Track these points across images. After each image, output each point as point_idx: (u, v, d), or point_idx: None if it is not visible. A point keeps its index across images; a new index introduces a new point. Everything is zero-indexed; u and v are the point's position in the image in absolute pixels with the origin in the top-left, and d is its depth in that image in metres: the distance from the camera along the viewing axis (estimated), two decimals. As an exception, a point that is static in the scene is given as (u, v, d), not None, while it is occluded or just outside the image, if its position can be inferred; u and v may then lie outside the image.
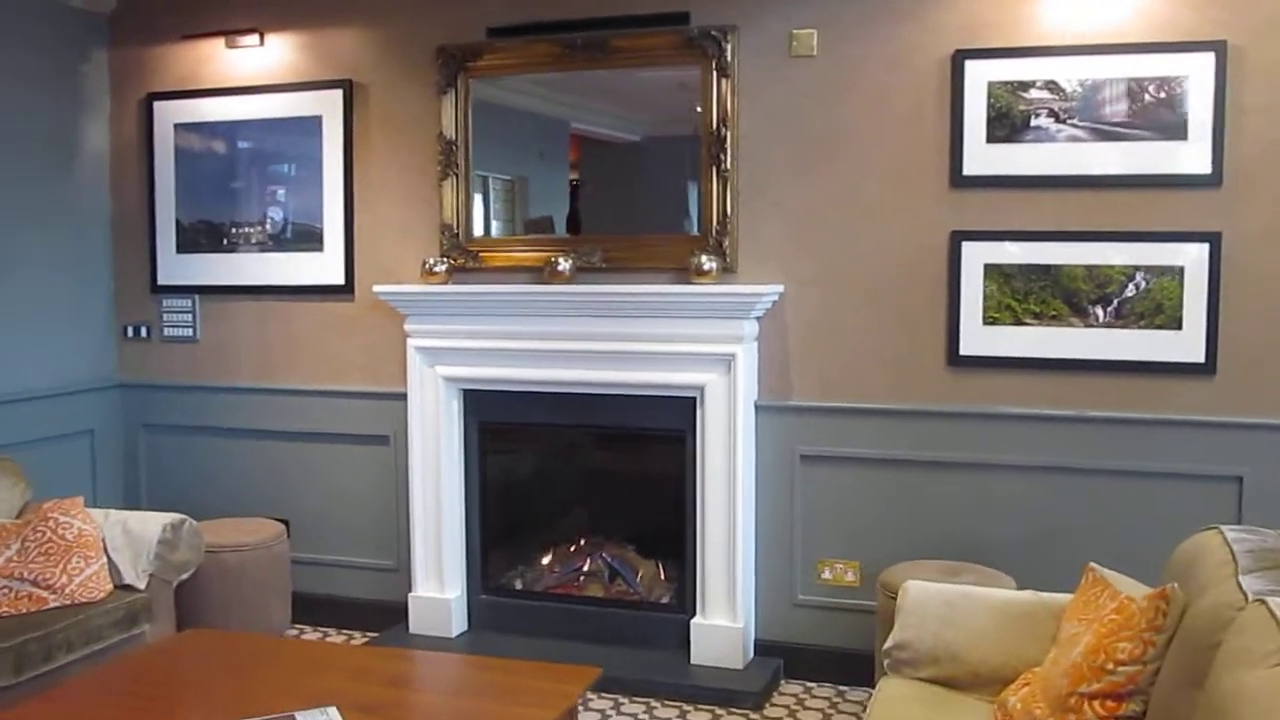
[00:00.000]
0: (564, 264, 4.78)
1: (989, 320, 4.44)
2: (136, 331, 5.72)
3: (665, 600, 4.99)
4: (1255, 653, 2.09)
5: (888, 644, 3.41)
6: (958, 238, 4.44)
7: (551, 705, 3.06)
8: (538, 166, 5.30)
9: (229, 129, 5.50)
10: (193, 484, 5.62)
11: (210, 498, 5.55)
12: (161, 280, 5.64)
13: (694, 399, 4.69)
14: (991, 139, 4.40)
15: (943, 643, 3.32)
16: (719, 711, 4.44)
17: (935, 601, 3.40)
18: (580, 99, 5.08)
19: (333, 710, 3.03)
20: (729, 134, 4.63)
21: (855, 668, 4.63)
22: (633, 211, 4.98)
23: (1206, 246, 4.20)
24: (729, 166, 4.64)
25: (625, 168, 5.11)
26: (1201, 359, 4.23)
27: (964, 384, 4.48)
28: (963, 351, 4.48)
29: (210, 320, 5.58)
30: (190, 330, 5.62)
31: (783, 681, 4.73)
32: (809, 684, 4.72)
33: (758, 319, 4.64)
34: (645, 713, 4.44)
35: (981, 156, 4.42)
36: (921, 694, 3.25)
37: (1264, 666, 2.04)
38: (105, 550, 4.32)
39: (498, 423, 5.09)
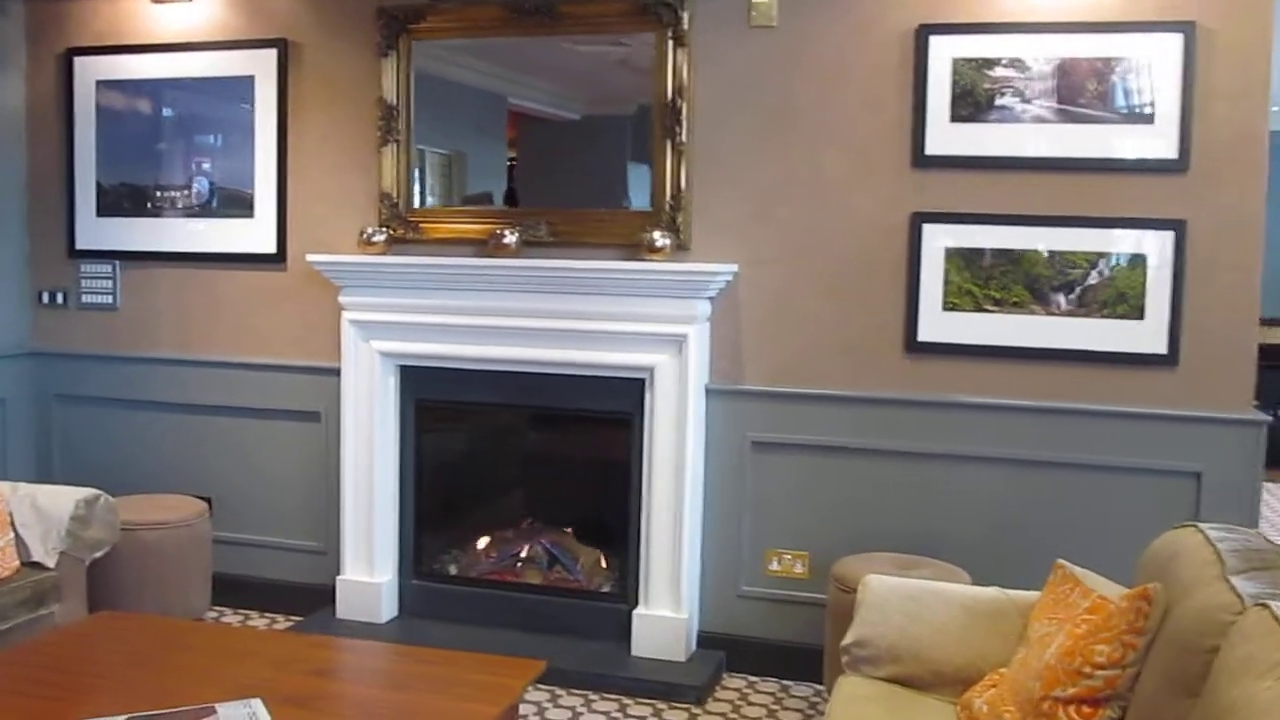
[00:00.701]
0: (509, 237, 4.57)
1: (949, 306, 4.31)
2: (52, 298, 5.42)
3: (606, 589, 4.80)
4: (1262, 662, 1.95)
5: (846, 640, 3.25)
6: (919, 219, 4.30)
7: (493, 700, 2.87)
8: (475, 142, 5.07)
9: (155, 88, 5.22)
10: (110, 459, 5.34)
11: (128, 473, 5.27)
12: (80, 245, 5.35)
13: (643, 381, 4.50)
14: (955, 118, 4.26)
15: (905, 640, 3.17)
16: (660, 705, 4.27)
17: (897, 596, 3.25)
18: (519, 74, 4.87)
19: (257, 703, 2.81)
20: (684, 105, 4.44)
21: (801, 662, 4.48)
22: (571, 191, 4.75)
23: (1171, 234, 4.09)
24: (684, 139, 4.45)
25: (564, 146, 4.90)
26: (1164, 350, 4.12)
27: (922, 371, 4.34)
28: (921, 338, 4.34)
29: (131, 288, 5.30)
30: (110, 298, 5.33)
31: (725, 675, 4.57)
32: (752, 678, 4.56)
33: (711, 299, 4.47)
34: (583, 705, 4.26)
35: (945, 135, 4.27)
36: (881, 694, 3.09)
37: (1273, 677, 1.90)
38: (12, 526, 4.05)
39: (436, 401, 4.87)
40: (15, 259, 5.37)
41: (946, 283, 4.30)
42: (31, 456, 5.44)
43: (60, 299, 5.40)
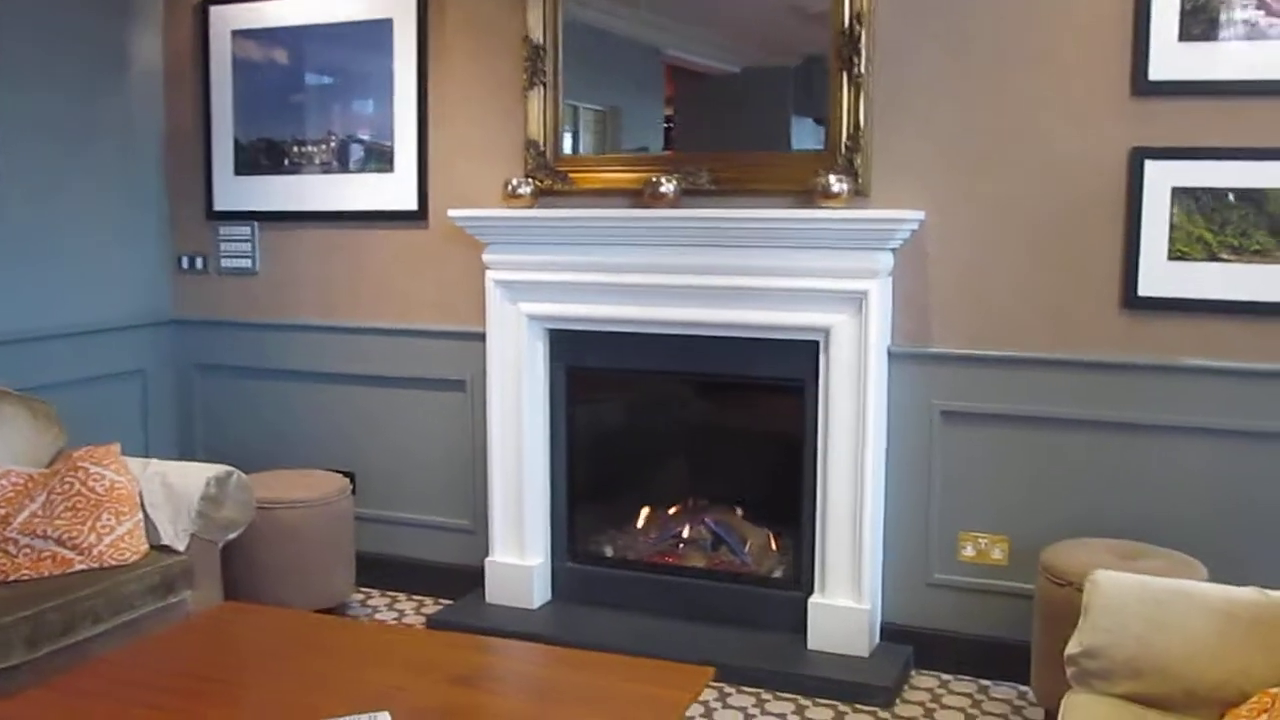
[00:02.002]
0: (666, 185, 4.12)
1: (1175, 255, 3.71)
2: (191, 263, 5.18)
3: (778, 575, 4.35)
4: None
5: (1073, 649, 2.74)
6: (1140, 155, 3.70)
7: (657, 716, 2.45)
8: (631, 97, 4.62)
9: (291, 36, 4.90)
10: (249, 431, 5.10)
11: (268, 446, 5.02)
12: (218, 205, 5.09)
13: (817, 343, 4.02)
14: (1185, 36, 3.64)
15: (1148, 652, 2.64)
16: (842, 708, 3.81)
17: (1136, 598, 2.71)
18: (676, 22, 4.39)
19: (384, 717, 2.44)
20: (864, 32, 3.92)
21: (1000, 660, 3.98)
22: (732, 145, 4.27)
23: None
24: (862, 71, 3.93)
25: (723, 101, 4.41)
26: None
27: (1142, 331, 3.76)
28: (1141, 292, 3.75)
29: (270, 250, 5.02)
30: (249, 261, 5.06)
31: (914, 673, 4.09)
32: (944, 677, 4.06)
33: (894, 251, 3.95)
34: (755, 706, 3.82)
35: (1172, 57, 3.66)
36: (1123, 716, 2.58)
37: None
38: (142, 506, 3.79)
39: (588, 368, 4.46)
40: (154, 223, 5.14)
41: (1173, 228, 3.70)
42: (173, 430, 5.23)
43: (200, 264, 5.16)
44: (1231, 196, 3.63)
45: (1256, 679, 2.54)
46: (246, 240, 5.05)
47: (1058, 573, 3.47)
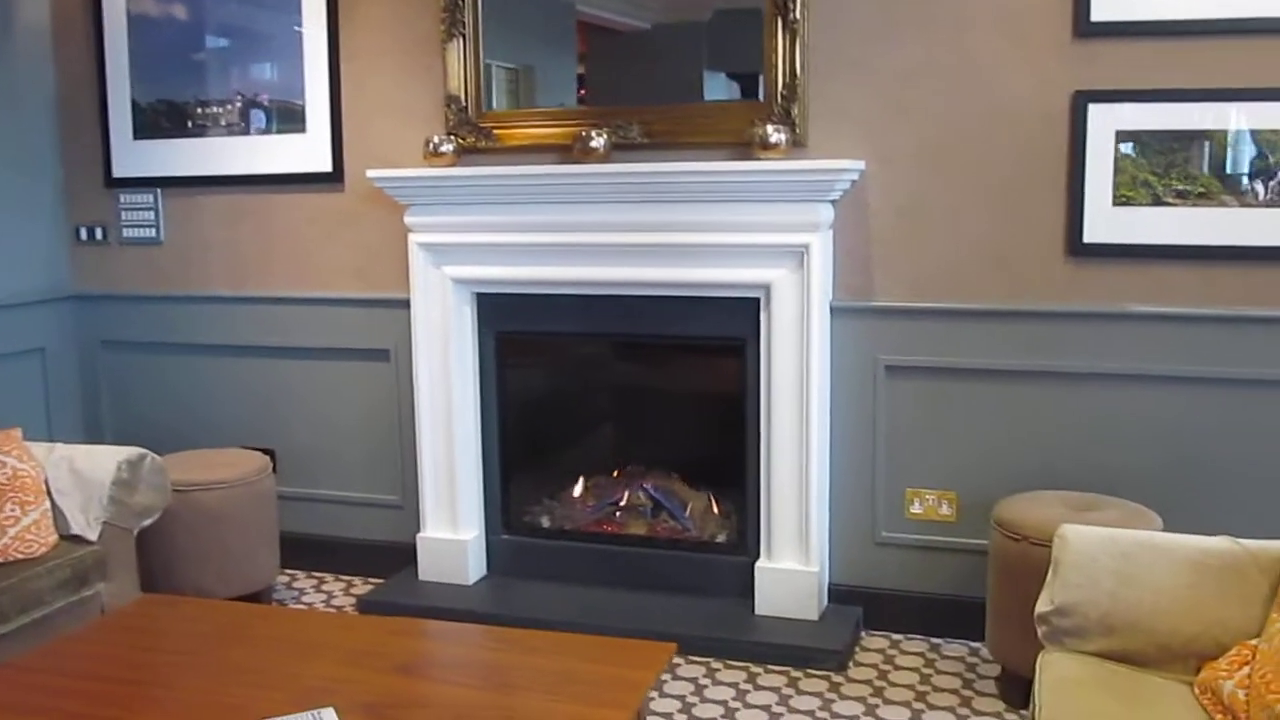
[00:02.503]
0: (597, 140, 3.95)
1: (1120, 200, 3.63)
2: (91, 233, 4.89)
3: (721, 540, 4.23)
4: None
5: (1044, 607, 2.65)
6: (1083, 99, 3.61)
7: (619, 700, 2.31)
8: (544, 55, 4.42)
9: (190, -11, 4.63)
10: (160, 410, 4.84)
11: (181, 426, 4.78)
12: (117, 172, 4.80)
13: (757, 300, 3.89)
14: (1127, -27, 3.56)
15: (1120, 607, 2.56)
16: (795, 674, 3.71)
17: (1106, 553, 2.62)
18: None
19: (329, 714, 2.27)
20: (797, -24, 3.77)
21: (951, 617, 3.91)
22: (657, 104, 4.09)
23: (1397, 103, 3.38)
24: (798, 17, 3.78)
25: (635, 57, 4.23)
26: (1388, 243, 3.43)
27: (1088, 278, 3.68)
28: (1087, 238, 3.67)
29: (175, 218, 4.75)
30: (153, 230, 4.79)
31: (864, 634, 4.00)
32: (895, 636, 3.98)
33: (834, 203, 3.83)
34: (706, 676, 3.70)
35: (1114, -4, 3.57)
36: (1099, 675, 2.49)
37: None
38: (48, 494, 3.55)
39: (518, 332, 4.28)
40: (49, 192, 4.84)
41: (1118, 172, 3.62)
42: (78, 411, 4.95)
43: (100, 234, 4.87)
44: (1175, 139, 3.56)
45: (1233, 630, 2.48)
46: (149, 209, 4.78)
47: (1012, 527, 3.39)
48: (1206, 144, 3.53)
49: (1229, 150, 3.52)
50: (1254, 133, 3.49)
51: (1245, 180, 3.52)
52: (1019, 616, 3.34)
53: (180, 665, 2.61)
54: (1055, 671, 2.51)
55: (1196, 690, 2.42)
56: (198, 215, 4.71)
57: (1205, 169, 3.55)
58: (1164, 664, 2.53)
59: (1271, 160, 3.48)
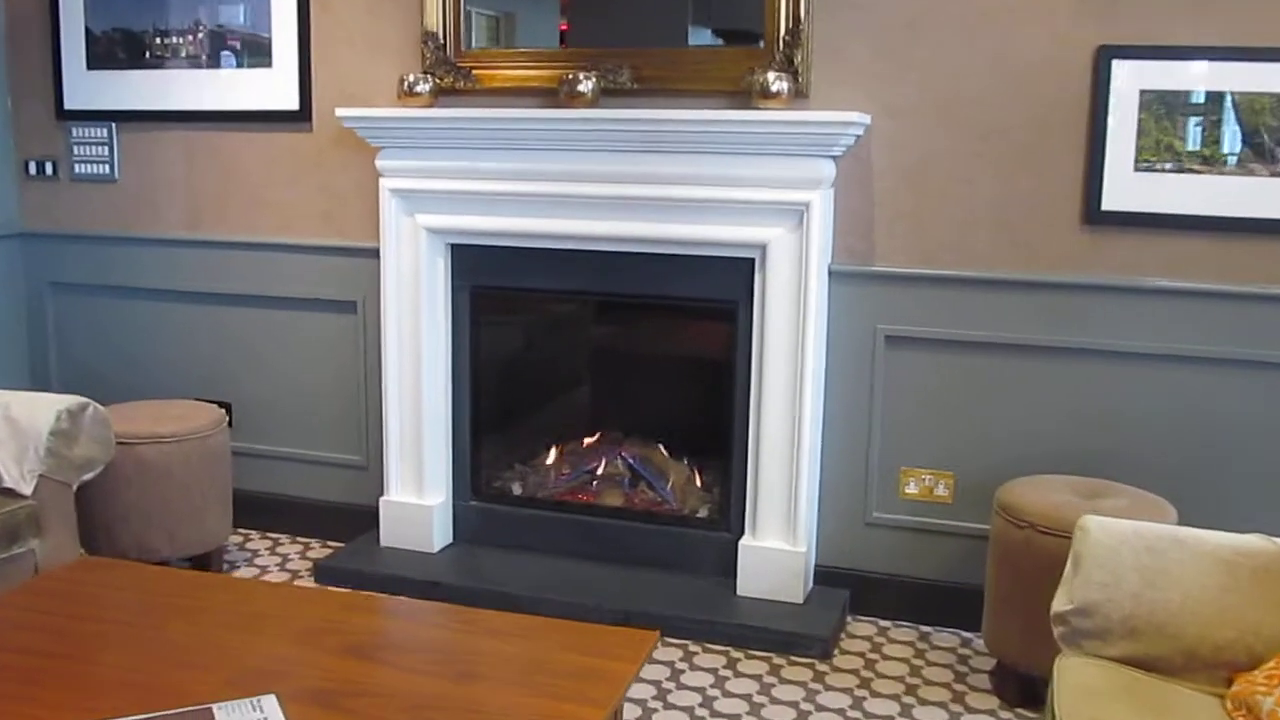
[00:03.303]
0: (585, 84, 3.67)
1: (1142, 165, 3.39)
2: (40, 168, 4.58)
3: (703, 515, 3.99)
4: None
5: (1062, 605, 2.42)
6: (1106, 55, 3.36)
7: (596, 698, 2.07)
8: (525, 3, 4.13)
9: (151, -92, 4.31)
10: (111, 358, 4.56)
11: (133, 375, 4.50)
12: (69, 104, 4.49)
13: (751, 261, 3.64)
14: (1159, -78, 3.31)
15: (1144, 608, 2.33)
16: (777, 660, 3.48)
17: (1130, 548, 2.39)
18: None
19: (270, 702, 2.03)
20: (806, -88, 3.50)
21: (942, 604, 3.70)
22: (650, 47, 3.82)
23: None
24: (804, -44, 3.52)
25: (621, 5, 3.95)
26: None
27: (1105, 248, 3.45)
28: (1105, 206, 3.43)
29: (132, 155, 4.45)
30: (107, 167, 4.49)
31: (850, 619, 3.78)
32: (883, 623, 3.76)
33: (836, 159, 3.57)
34: (684, 660, 3.47)
35: (1144, -54, 3.32)
36: (1121, 684, 2.26)
37: None
38: (-21, 444, 3.28)
39: (494, 287, 4.01)
40: (-4, 122, 4.54)
41: (1140, 135, 3.38)
42: (24, 357, 4.66)
43: (50, 169, 4.57)
44: (1203, 101, 3.32)
45: (1269, 639, 2.26)
46: (103, 144, 4.47)
47: (1015, 512, 3.16)
48: (1237, 107, 3.30)
49: (1262, 115, 3.28)
50: (1290, 98, 3.25)
51: (1275, 148, 3.29)
52: (1020, 608, 3.14)
53: (110, 638, 2.35)
54: (1074, 678, 2.29)
55: (1229, 705, 2.20)
56: (155, 152, 4.41)
57: (1235, 134, 3.31)
58: (1192, 673, 2.31)
59: (1307, 128, 3.26)
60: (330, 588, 3.83)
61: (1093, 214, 3.44)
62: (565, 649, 2.26)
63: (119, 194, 4.49)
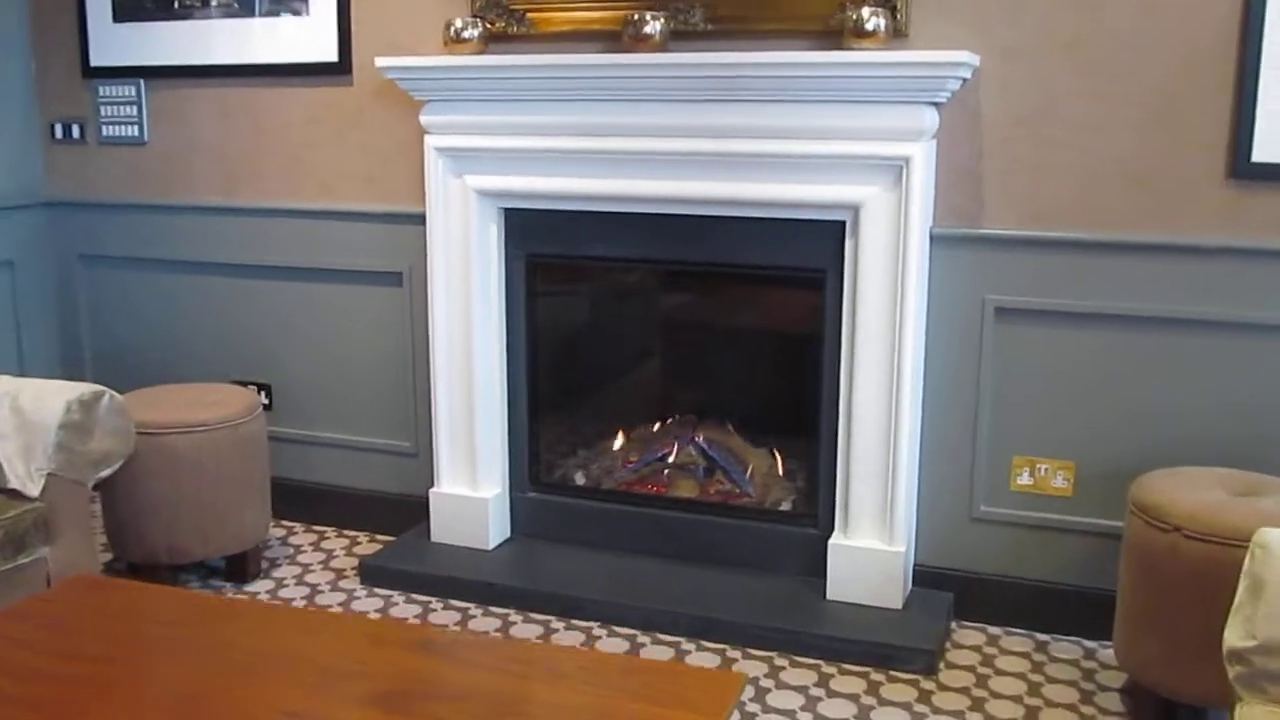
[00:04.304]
0: (652, 25, 3.25)
1: (1301, 108, 2.92)
2: (67, 131, 4.25)
3: (787, 508, 3.58)
4: None
5: (1241, 641, 1.99)
6: (1260, -20, 2.89)
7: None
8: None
9: None
10: (143, 337, 4.23)
11: (166, 355, 4.18)
12: (95, 60, 4.15)
13: (842, 224, 3.21)
14: None
15: (1348, 648, 1.90)
16: (876, 676, 3.08)
17: (1327, 571, 1.96)
18: None
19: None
20: None
21: (1060, 610, 3.28)
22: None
23: None
24: (903, -128, 3.07)
25: None
26: None
27: (1255, 206, 2.98)
28: (1256, 157, 2.95)
29: (161, 115, 4.10)
30: (136, 128, 4.14)
31: (954, 625, 3.36)
32: (992, 630, 3.34)
33: (938, 107, 3.13)
34: (769, 676, 3.08)
35: None
36: (1325, 743, 1.84)
37: None
38: (-17, 438, 2.95)
39: (552, 255, 3.62)
40: (19, 81, 4.20)
41: (1300, 73, 2.90)
42: (53, 336, 4.34)
43: (76, 132, 4.23)
44: (1380, 31, 2.83)
45: None
46: (132, 102, 4.13)
47: (1158, 513, 2.72)
48: None
49: None
50: None
51: None
52: (1162, 623, 2.72)
53: (92, 682, 1.98)
54: (1261, 735, 1.86)
55: None
56: (186, 111, 4.06)
57: None
58: (1405, 726, 1.88)
59: None
60: (374, 594, 3.50)
61: (1240, 166, 2.97)
62: (636, 697, 1.87)
63: (149, 157, 4.14)
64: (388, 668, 1.99)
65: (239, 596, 3.50)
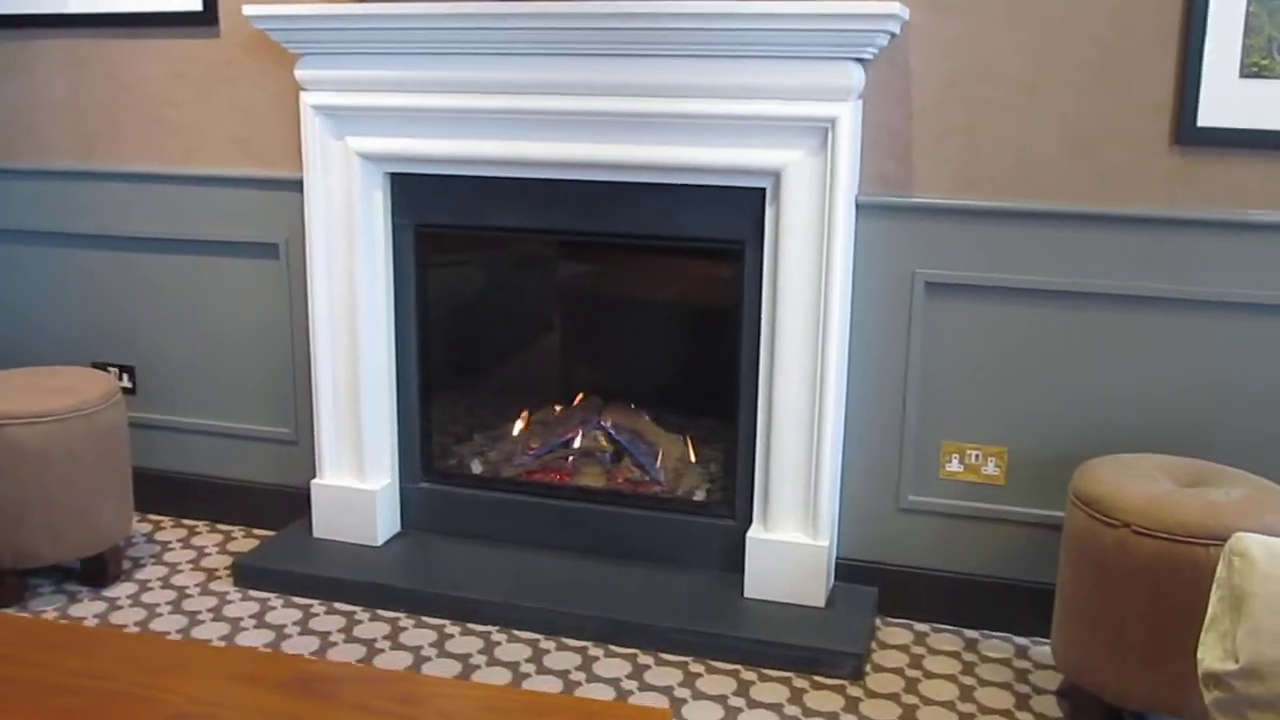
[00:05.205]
0: (551, -30, 2.95)
1: (1250, 70, 2.72)
2: (-101, 85, 3.82)
3: (701, 498, 3.33)
4: None
5: (1222, 664, 1.77)
6: (1209, -72, 2.68)
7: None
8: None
9: None
10: (-11, 313, 3.84)
11: (18, 336, 3.80)
12: (-70, 6, 3.72)
13: (762, 191, 2.95)
14: None
15: (1341, 670, 1.69)
16: (799, 682, 2.84)
17: (1314, 583, 1.75)
18: None
19: None
20: None
21: (990, 605, 3.09)
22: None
23: None
24: None
25: None
26: None
27: (1201, 174, 2.78)
28: (1202, 120, 2.75)
29: (6, 68, 3.69)
30: (-23, 83, 3.73)
31: (879, 622, 3.14)
32: (918, 626, 3.13)
33: (865, 64, 2.87)
34: (684, 685, 2.83)
35: None
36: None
37: None
38: None
39: (444, 226, 3.30)
40: None
41: (1249, 33, 2.70)
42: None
43: (-90, 87, 3.80)
44: (1335, -14, 2.64)
45: None
46: (-28, 54, 3.71)
47: (1104, 506, 2.51)
48: (1376, -5, 2.63)
49: (1406, 4, 2.61)
50: None
51: None
52: (1109, 625, 2.53)
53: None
54: (1255, 774, 1.65)
55: None
56: (34, 65, 3.64)
57: (1370, 29, 2.65)
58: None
59: None
60: (249, 597, 3.18)
61: (1186, 131, 2.76)
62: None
63: (-8, 116, 3.73)
64: (244, 713, 1.68)
65: (68, 621, 3.14)
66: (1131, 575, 2.46)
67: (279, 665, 1.98)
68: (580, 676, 2.85)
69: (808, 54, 2.78)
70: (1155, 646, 2.46)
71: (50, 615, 3.14)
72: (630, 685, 2.82)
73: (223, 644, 2.98)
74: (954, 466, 3.08)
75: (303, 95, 3.18)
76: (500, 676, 2.86)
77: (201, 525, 3.72)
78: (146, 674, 1.81)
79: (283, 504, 3.59)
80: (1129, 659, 2.51)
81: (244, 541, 3.60)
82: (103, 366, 3.69)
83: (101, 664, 1.84)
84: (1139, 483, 2.56)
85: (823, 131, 2.82)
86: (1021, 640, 3.05)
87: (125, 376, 3.71)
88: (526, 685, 2.82)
